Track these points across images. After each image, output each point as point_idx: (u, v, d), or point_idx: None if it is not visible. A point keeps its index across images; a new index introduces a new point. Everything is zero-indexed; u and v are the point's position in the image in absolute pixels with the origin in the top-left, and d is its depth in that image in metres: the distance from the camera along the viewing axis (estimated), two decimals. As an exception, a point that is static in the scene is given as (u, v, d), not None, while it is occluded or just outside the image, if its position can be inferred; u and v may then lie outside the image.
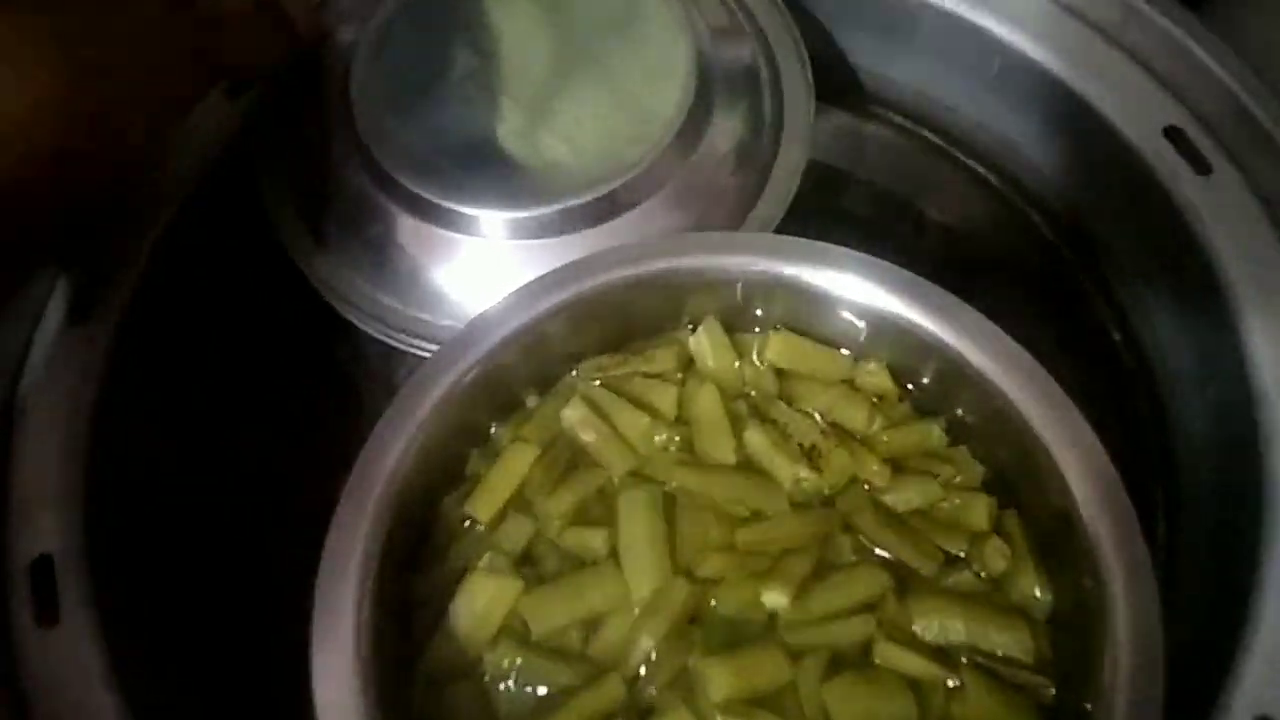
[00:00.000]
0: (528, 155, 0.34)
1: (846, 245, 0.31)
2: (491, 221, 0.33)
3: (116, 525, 0.32)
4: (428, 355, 0.31)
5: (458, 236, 0.34)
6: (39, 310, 0.34)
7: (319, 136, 0.36)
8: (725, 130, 0.35)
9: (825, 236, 0.31)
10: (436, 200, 0.33)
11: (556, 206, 0.33)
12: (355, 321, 0.35)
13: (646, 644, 0.28)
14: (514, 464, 0.31)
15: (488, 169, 0.34)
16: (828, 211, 0.45)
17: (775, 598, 0.28)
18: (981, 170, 0.44)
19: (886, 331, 0.30)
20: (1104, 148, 0.37)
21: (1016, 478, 0.30)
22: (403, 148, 0.34)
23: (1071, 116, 0.38)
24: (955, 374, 0.29)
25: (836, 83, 0.45)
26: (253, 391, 0.40)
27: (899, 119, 0.46)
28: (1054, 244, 0.43)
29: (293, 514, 0.31)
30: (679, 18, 0.35)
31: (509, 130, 0.34)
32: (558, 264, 0.31)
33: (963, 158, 0.45)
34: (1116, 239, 0.40)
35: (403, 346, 0.34)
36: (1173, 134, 0.36)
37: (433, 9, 0.37)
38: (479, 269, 0.34)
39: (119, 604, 0.31)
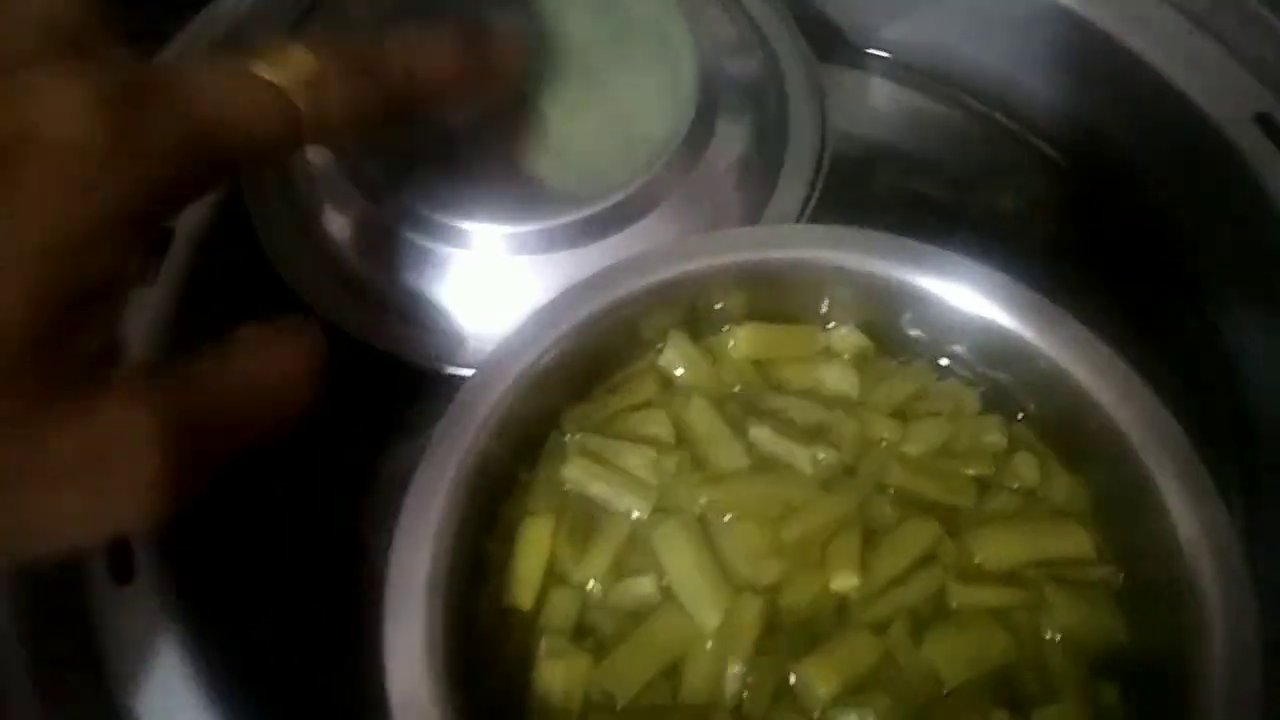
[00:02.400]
0: (523, 170, 0.33)
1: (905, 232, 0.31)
2: (484, 236, 0.32)
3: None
4: (429, 368, 0.33)
5: (452, 251, 0.33)
6: None
7: (306, 151, 0.35)
8: (729, 144, 0.35)
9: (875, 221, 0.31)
10: (429, 214, 0.32)
11: (551, 222, 0.32)
12: (353, 335, 0.34)
13: (736, 670, 0.27)
14: (534, 541, 0.29)
15: (481, 183, 0.33)
16: (886, 195, 0.45)
17: (844, 580, 0.28)
18: (1052, 152, 0.45)
19: (851, 292, 0.31)
20: (1192, 134, 0.38)
21: (1016, 390, 0.31)
22: (394, 160, 0.33)
23: (1159, 103, 0.39)
24: (936, 316, 0.30)
25: (910, 63, 0.46)
26: None
27: (971, 100, 0.46)
28: (1128, 228, 0.43)
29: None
30: (682, 32, 0.35)
31: (503, 144, 0.33)
32: (554, 279, 0.31)
33: (1033, 139, 0.45)
34: (1199, 224, 0.40)
35: (404, 358, 0.34)
36: (1263, 120, 0.36)
37: (427, 18, 0.35)
38: (476, 284, 0.33)
39: (191, 563, 0.31)
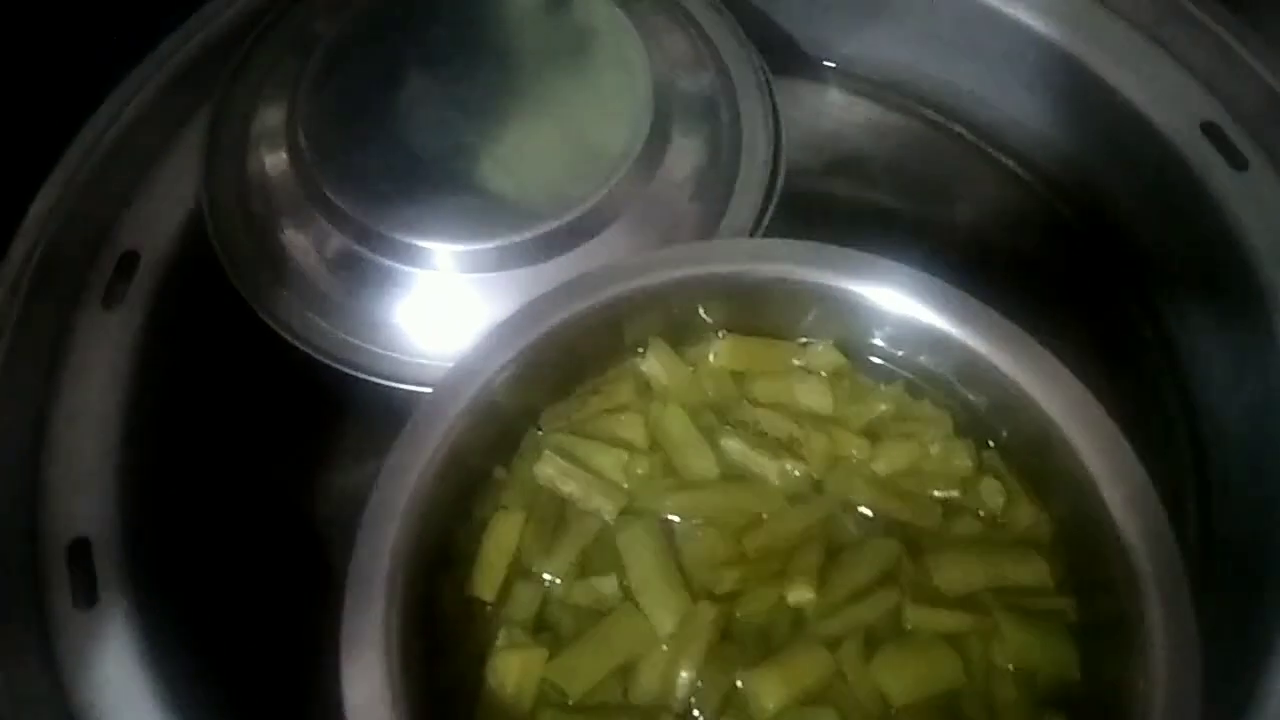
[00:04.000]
0: (480, 187, 0.33)
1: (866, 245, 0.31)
2: (443, 254, 0.33)
3: (150, 510, 0.33)
4: (389, 385, 0.33)
5: (410, 270, 0.33)
6: (76, 294, 0.35)
7: (265, 170, 0.35)
8: (684, 157, 0.35)
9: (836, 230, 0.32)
10: (387, 233, 0.33)
11: (509, 239, 0.33)
12: (317, 357, 0.34)
13: (687, 675, 0.27)
14: (503, 535, 0.30)
15: (439, 201, 0.33)
16: (846, 205, 0.46)
17: (800, 593, 0.28)
18: (1010, 164, 0.45)
19: (830, 309, 0.31)
20: (1140, 142, 0.38)
21: (988, 415, 0.31)
22: (351, 179, 0.33)
23: (1108, 111, 0.39)
24: (910, 336, 0.30)
25: (865, 74, 0.47)
26: (262, 394, 0.40)
27: (928, 111, 0.47)
28: (1083, 238, 0.44)
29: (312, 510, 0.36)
30: (636, 48, 0.35)
31: (460, 162, 0.34)
32: (512, 296, 0.31)
33: (992, 151, 0.46)
34: (1151, 234, 0.41)
35: (365, 375, 0.34)
36: (1210, 129, 0.37)
37: (380, 36, 0.36)
38: (435, 303, 0.33)
39: (154, 587, 0.32)
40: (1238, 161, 0.36)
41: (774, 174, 0.37)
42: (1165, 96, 0.38)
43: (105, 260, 0.35)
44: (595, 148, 0.34)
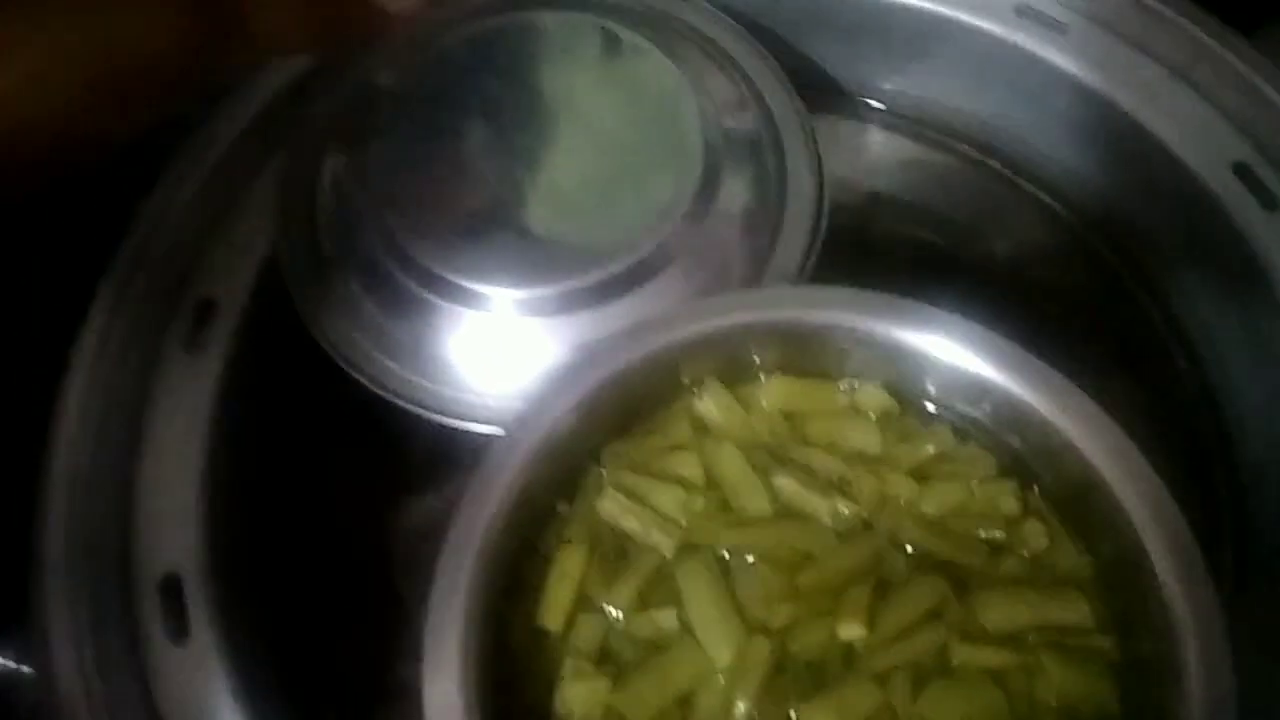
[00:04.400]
0: (541, 234, 0.35)
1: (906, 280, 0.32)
2: (506, 299, 0.34)
3: (235, 546, 0.35)
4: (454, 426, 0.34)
5: (474, 313, 0.35)
6: (159, 340, 0.36)
7: (334, 218, 0.37)
8: (733, 200, 0.37)
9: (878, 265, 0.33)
10: (452, 278, 0.34)
11: (570, 285, 0.34)
12: (387, 397, 0.36)
13: (742, 706, 0.29)
14: (568, 568, 0.31)
15: (502, 247, 0.35)
16: (887, 241, 0.47)
17: (851, 629, 0.29)
18: (1047, 199, 0.46)
19: (877, 355, 0.32)
20: (1173, 181, 0.39)
21: (1030, 458, 0.32)
22: (417, 226, 0.35)
23: (1141, 150, 0.40)
24: (956, 383, 0.32)
25: (904, 111, 0.48)
26: (335, 432, 0.41)
27: (966, 149, 0.48)
28: (1120, 274, 0.45)
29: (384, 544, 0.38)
30: (686, 96, 0.37)
31: (521, 209, 0.35)
32: (572, 339, 0.33)
33: (1030, 187, 0.47)
34: (1185, 272, 0.42)
35: (435, 418, 0.35)
36: (1241, 170, 0.38)
37: (441, 87, 0.38)
38: (498, 345, 0.35)
39: (245, 621, 0.33)
40: (1267, 201, 0.38)
41: (818, 214, 0.38)
42: (1197, 136, 0.39)
43: (185, 306, 0.37)
44: (649, 194, 0.36)
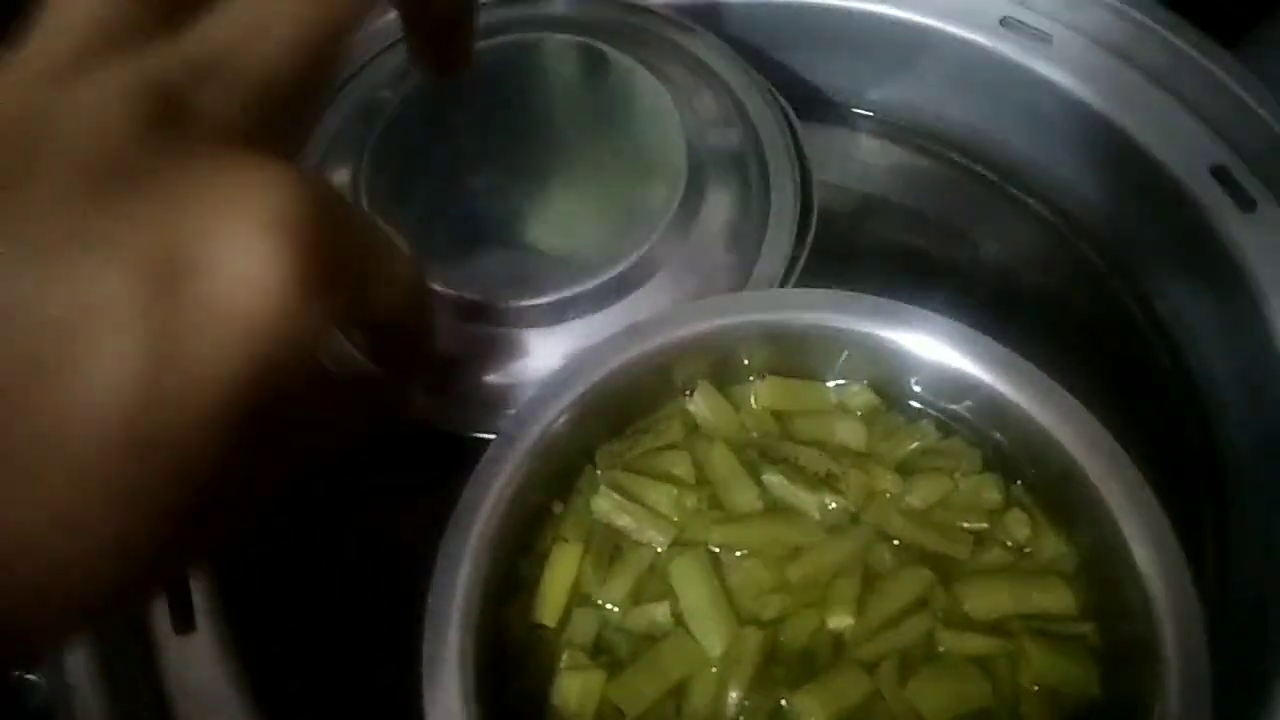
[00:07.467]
0: (534, 246, 0.36)
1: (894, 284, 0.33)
2: (502, 309, 0.35)
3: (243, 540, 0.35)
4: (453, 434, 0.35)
5: (471, 324, 0.36)
6: None
7: None
8: (717, 212, 0.38)
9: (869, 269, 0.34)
10: (448, 290, 0.35)
11: (555, 296, 0.35)
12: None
13: (736, 695, 0.30)
14: (563, 565, 0.32)
15: (497, 260, 0.36)
16: (878, 246, 0.48)
17: (840, 619, 0.30)
18: (1033, 204, 0.48)
19: (863, 354, 0.33)
20: (1154, 186, 0.41)
21: (1013, 452, 0.33)
22: (415, 239, 0.35)
23: (1124, 155, 0.42)
24: (939, 380, 0.33)
25: (892, 119, 0.49)
26: None
27: (953, 155, 0.49)
28: (1104, 276, 0.46)
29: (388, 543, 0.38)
30: (669, 110, 0.38)
31: (515, 222, 0.36)
32: (567, 345, 0.34)
33: (1016, 192, 0.48)
34: (1167, 272, 0.43)
35: (431, 426, 0.36)
36: (1220, 173, 0.39)
37: (439, 104, 0.39)
38: (495, 353, 0.36)
39: (246, 614, 0.34)
40: (1245, 203, 0.39)
41: (804, 223, 0.39)
42: (1177, 141, 0.41)
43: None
44: (637, 205, 0.37)
